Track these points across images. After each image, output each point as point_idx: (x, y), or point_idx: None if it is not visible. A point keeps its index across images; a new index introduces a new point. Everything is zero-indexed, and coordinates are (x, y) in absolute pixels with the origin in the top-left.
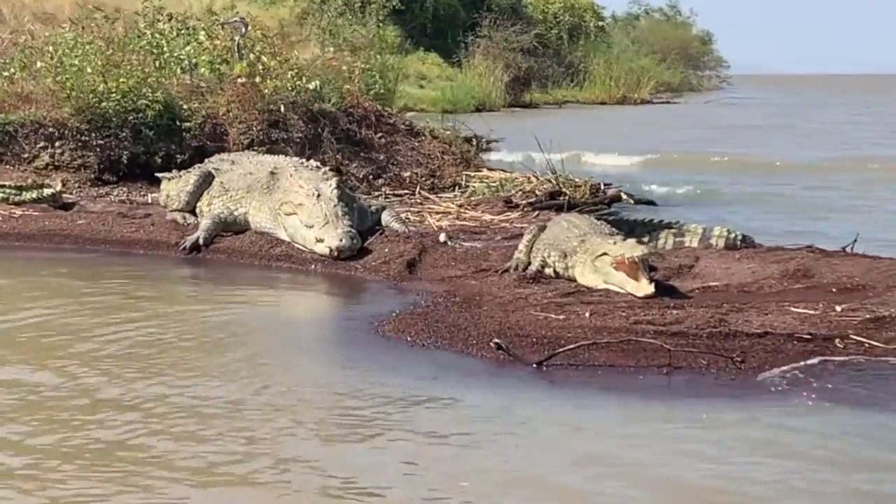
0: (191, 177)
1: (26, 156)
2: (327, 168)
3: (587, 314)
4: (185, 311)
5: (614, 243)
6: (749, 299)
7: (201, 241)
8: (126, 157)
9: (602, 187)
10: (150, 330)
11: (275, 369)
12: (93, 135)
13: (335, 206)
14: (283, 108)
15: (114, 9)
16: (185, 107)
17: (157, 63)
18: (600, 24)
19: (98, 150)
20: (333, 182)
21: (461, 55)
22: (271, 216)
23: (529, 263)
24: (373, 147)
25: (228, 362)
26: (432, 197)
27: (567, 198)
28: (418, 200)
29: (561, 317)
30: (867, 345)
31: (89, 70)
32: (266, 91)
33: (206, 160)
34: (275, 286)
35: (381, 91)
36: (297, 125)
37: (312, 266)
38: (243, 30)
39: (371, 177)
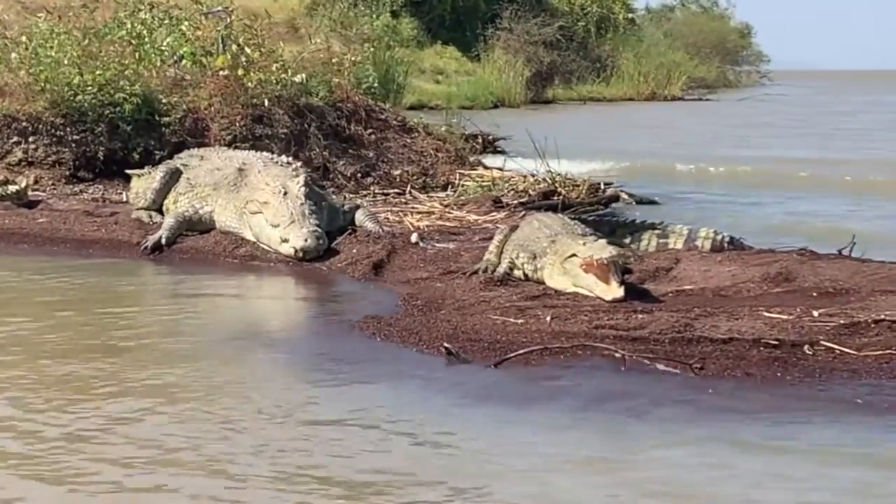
0: (157, 173)
1: None
2: (298, 164)
3: (548, 318)
4: (126, 313)
5: (584, 244)
6: (723, 303)
7: (163, 241)
8: (102, 154)
9: (602, 187)
10: (90, 330)
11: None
12: (68, 130)
13: (302, 204)
14: (267, 103)
15: None
16: (164, 101)
17: (136, 55)
18: (630, 15)
19: (73, 145)
20: (301, 179)
21: (480, 49)
22: (237, 215)
23: (499, 265)
24: (362, 144)
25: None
26: (420, 196)
27: (562, 198)
28: (403, 200)
29: (520, 321)
30: (838, 351)
31: (66, 62)
32: (249, 84)
33: (176, 156)
34: (231, 288)
35: (374, 85)
36: (283, 120)
37: (277, 267)
38: (227, 19)
39: (359, 175)
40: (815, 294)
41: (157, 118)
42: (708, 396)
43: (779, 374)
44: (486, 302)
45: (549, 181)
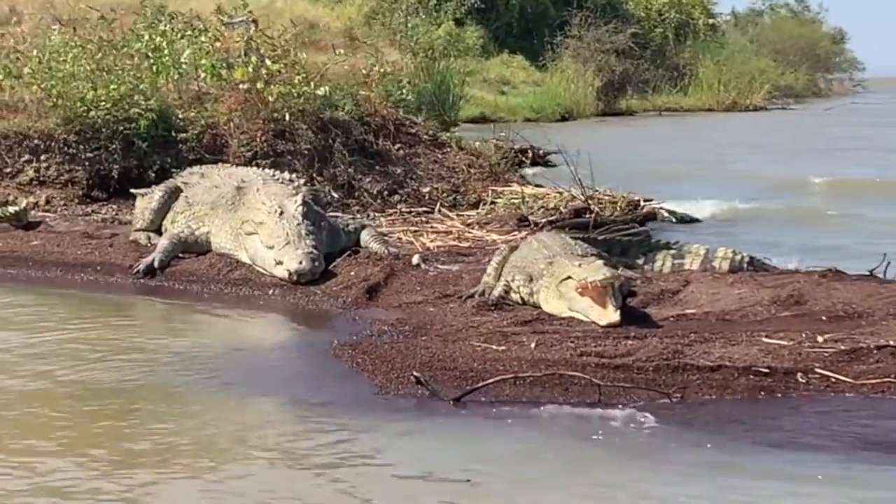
0: (156, 192)
1: (9, 170)
2: (301, 182)
3: (533, 345)
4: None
5: (579, 266)
6: (723, 328)
7: (156, 265)
8: (117, 172)
9: (641, 203)
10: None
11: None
12: (81, 147)
13: (298, 224)
14: (288, 117)
15: (110, 8)
16: (181, 116)
17: (154, 68)
18: (711, 21)
19: (87, 164)
20: (299, 198)
21: (548, 58)
22: (233, 236)
23: (495, 288)
24: (390, 160)
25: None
26: (442, 214)
27: (594, 215)
28: (424, 219)
29: (502, 348)
30: (832, 379)
31: (80, 76)
32: (270, 98)
33: (178, 173)
34: (217, 315)
35: (407, 97)
36: (306, 136)
37: (270, 291)
38: (251, 29)
39: (386, 192)
40: (824, 318)
41: (173, 134)
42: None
43: (761, 405)
44: (475, 327)
45: (583, 198)
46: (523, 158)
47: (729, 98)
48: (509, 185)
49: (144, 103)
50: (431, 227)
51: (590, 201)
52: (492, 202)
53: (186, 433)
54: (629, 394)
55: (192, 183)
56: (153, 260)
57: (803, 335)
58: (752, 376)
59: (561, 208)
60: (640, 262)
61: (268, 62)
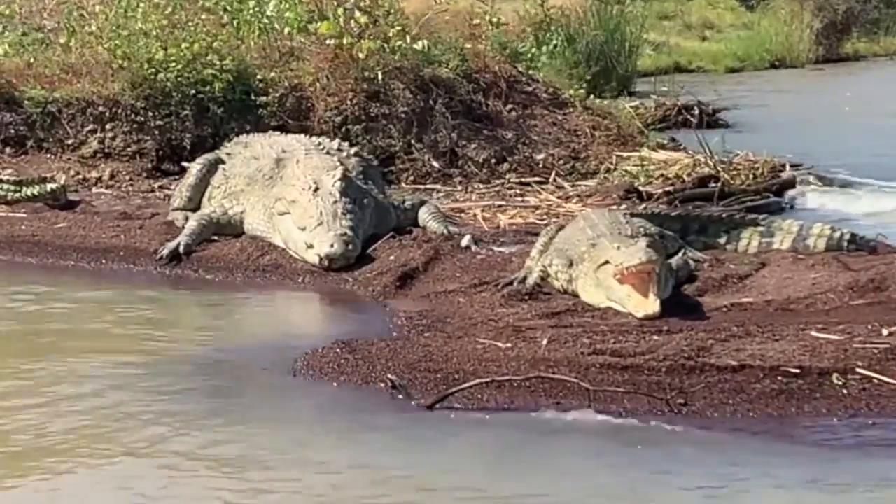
0: (194, 165)
1: (71, 142)
2: (351, 151)
3: (545, 342)
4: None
5: (618, 248)
6: (775, 320)
7: (181, 250)
8: (189, 142)
9: (787, 168)
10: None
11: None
12: (150, 114)
13: (335, 202)
14: (380, 76)
15: None
16: (261, 77)
17: (235, 22)
18: None
19: (156, 133)
20: (338, 172)
21: None
22: (266, 216)
23: (531, 274)
24: (500, 123)
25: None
26: (556, 185)
27: (720, 184)
28: (517, 192)
29: (507, 345)
30: (875, 380)
31: (149, 33)
32: (360, 55)
33: (223, 143)
34: (232, 308)
35: (532, 50)
36: (402, 97)
37: (300, 279)
38: None
39: (494, 161)
40: None
41: (252, 98)
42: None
43: (778, 412)
44: (494, 321)
45: (712, 164)
46: (689, 117)
47: None
48: (639, 150)
49: (219, 63)
50: (522, 201)
51: (719, 168)
52: (608, 170)
53: None
54: (625, 399)
55: (235, 154)
56: (178, 245)
57: (869, 327)
58: (779, 378)
59: (684, 177)
60: (722, 241)
61: (357, 14)
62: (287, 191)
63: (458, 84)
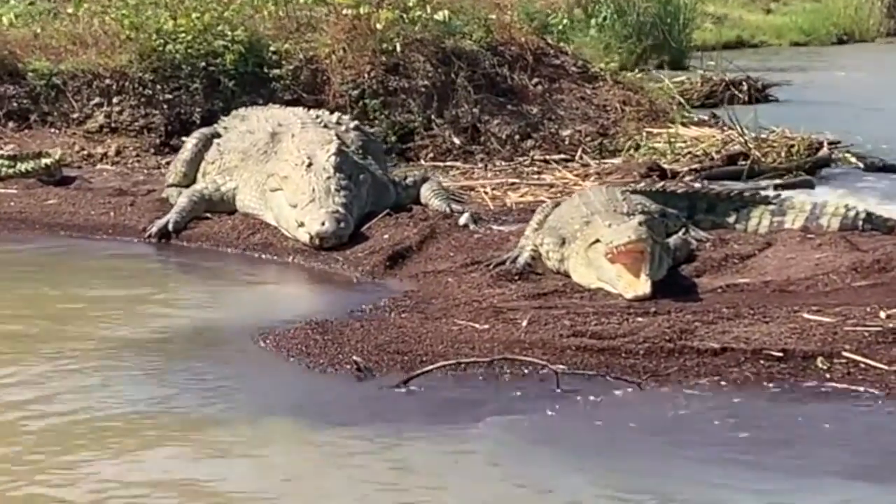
0: (190, 140)
1: (76, 116)
2: (351, 125)
3: (524, 323)
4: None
5: (609, 226)
6: (770, 302)
7: (171, 227)
8: (199, 116)
9: (825, 145)
10: None
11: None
12: (158, 87)
13: (328, 178)
14: (398, 47)
15: None
16: (274, 48)
17: None
18: None
19: (165, 107)
20: (333, 146)
21: None
22: (258, 193)
23: (523, 253)
24: (525, 97)
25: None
26: (581, 163)
27: (749, 162)
28: (535, 169)
29: (485, 327)
30: (862, 366)
31: (163, 2)
32: (378, 25)
33: (222, 117)
34: (213, 287)
35: (564, 20)
36: (423, 70)
37: (290, 258)
38: None
39: (517, 137)
40: None
41: (265, 71)
42: None
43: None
44: (479, 301)
45: (743, 141)
46: (736, 93)
47: None
48: (670, 127)
49: (231, 34)
50: (538, 179)
51: (750, 145)
52: (636, 147)
53: None
54: (595, 382)
55: (231, 128)
56: (167, 222)
57: (867, 310)
58: (761, 361)
59: (713, 154)
60: (732, 220)
61: None
62: (280, 166)
63: (481, 56)
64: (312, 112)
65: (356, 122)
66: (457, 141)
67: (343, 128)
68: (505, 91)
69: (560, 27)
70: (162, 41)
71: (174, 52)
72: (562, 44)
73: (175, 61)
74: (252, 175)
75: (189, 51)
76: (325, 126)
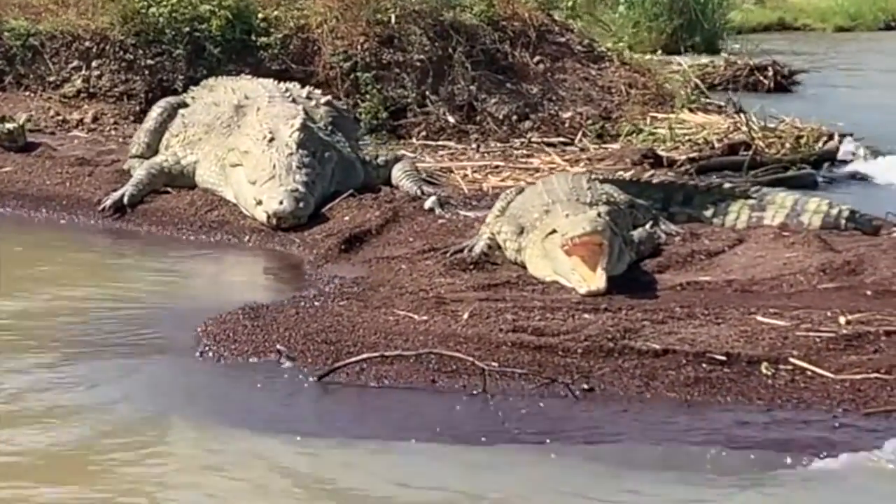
0: (154, 109)
1: (53, 79)
2: (321, 100)
3: (466, 315)
4: None
5: (567, 216)
6: (726, 302)
7: (126, 200)
8: (182, 83)
9: (837, 137)
10: None
11: None
12: (140, 52)
13: (290, 154)
14: (393, 19)
15: None
16: (262, 15)
17: None
18: None
19: (146, 72)
20: (297, 121)
21: None
22: (218, 168)
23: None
24: (525, 76)
25: None
26: (581, 147)
27: (751, 152)
28: (524, 152)
29: (423, 318)
30: (808, 373)
31: None
32: None
33: (191, 87)
34: (159, 266)
35: None
36: (419, 43)
37: (246, 238)
38: None
39: (515, 117)
40: (870, 293)
41: (253, 38)
42: None
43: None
44: (426, 291)
45: (747, 129)
46: (761, 78)
47: None
48: (676, 112)
49: None
50: (525, 163)
51: (755, 134)
52: (635, 132)
53: None
54: (522, 382)
55: (198, 98)
56: (122, 195)
57: (827, 314)
58: (703, 365)
59: (714, 142)
60: (709, 214)
61: None
62: (241, 140)
63: (481, 31)
64: (282, 85)
65: (328, 98)
66: (451, 119)
67: (313, 102)
68: (504, 68)
69: (570, 3)
70: (145, 3)
71: (158, 16)
72: (570, 21)
73: (158, 25)
74: (213, 149)
75: (173, 14)
76: (294, 100)
